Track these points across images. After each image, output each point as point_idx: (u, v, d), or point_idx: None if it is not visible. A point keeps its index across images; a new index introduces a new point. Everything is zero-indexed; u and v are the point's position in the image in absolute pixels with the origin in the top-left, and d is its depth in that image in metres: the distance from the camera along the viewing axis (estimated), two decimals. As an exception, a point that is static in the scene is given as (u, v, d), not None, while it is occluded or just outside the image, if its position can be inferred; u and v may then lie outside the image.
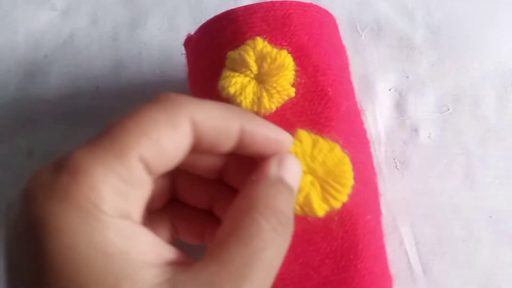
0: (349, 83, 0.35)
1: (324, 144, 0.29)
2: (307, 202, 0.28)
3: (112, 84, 0.44)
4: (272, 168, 0.26)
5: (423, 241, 0.41)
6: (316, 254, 0.30)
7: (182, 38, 0.38)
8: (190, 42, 0.37)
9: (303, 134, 0.29)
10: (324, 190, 0.28)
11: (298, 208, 0.28)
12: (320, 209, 0.28)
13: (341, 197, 0.29)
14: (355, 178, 0.29)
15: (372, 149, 0.38)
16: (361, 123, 0.35)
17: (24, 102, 0.44)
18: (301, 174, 0.27)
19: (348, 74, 0.36)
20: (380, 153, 0.43)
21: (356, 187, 0.29)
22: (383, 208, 0.37)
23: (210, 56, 0.34)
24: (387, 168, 0.42)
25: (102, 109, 0.43)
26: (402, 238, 0.41)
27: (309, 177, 0.28)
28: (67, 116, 0.43)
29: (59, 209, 0.21)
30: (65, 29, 0.46)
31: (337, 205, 0.29)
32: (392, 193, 0.42)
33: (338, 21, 0.39)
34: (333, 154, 0.29)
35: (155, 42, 0.46)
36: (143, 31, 0.46)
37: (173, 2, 0.47)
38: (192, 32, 0.37)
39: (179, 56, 0.43)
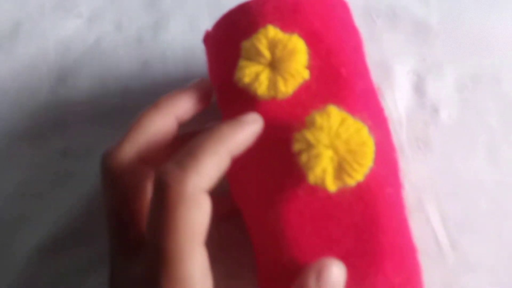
0: (363, 63, 0.36)
1: (352, 123, 0.30)
2: (322, 176, 0.29)
3: (139, 83, 0.46)
4: (310, 282, 0.28)
5: (450, 217, 0.41)
6: (338, 228, 0.31)
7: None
8: (209, 38, 0.38)
9: (333, 109, 0.30)
10: (341, 167, 0.29)
11: (312, 178, 0.29)
12: (333, 185, 0.29)
13: (357, 176, 0.29)
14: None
15: (393, 131, 0.39)
16: (377, 101, 0.36)
17: (56, 104, 0.46)
18: (343, 274, 0.29)
19: (362, 55, 0.36)
20: (402, 135, 0.43)
21: (375, 162, 0.30)
22: (408, 187, 0.37)
23: (227, 48, 0.36)
24: (410, 149, 0.43)
25: (131, 107, 0.45)
26: (429, 216, 0.41)
27: (329, 152, 0.29)
28: (98, 115, 0.45)
29: None
30: (91, 34, 0.48)
31: (351, 182, 0.29)
32: (416, 173, 0.42)
33: (352, 11, 0.40)
34: (358, 134, 0.30)
35: (178, 42, 0.47)
36: (166, 33, 0.48)
37: (193, 5, 0.49)
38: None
39: (200, 54, 0.45)
